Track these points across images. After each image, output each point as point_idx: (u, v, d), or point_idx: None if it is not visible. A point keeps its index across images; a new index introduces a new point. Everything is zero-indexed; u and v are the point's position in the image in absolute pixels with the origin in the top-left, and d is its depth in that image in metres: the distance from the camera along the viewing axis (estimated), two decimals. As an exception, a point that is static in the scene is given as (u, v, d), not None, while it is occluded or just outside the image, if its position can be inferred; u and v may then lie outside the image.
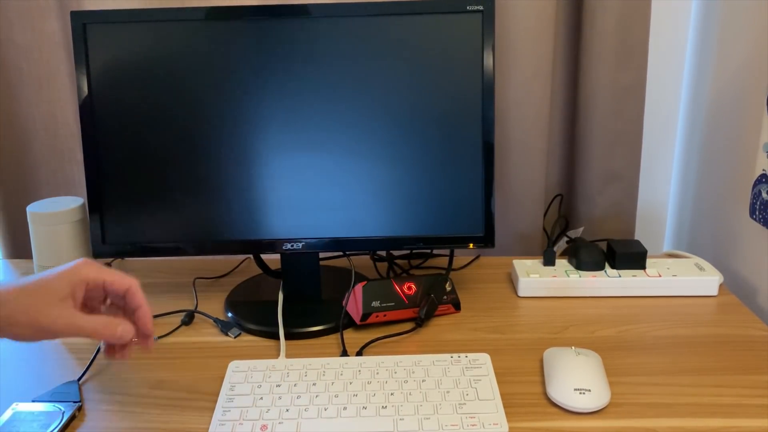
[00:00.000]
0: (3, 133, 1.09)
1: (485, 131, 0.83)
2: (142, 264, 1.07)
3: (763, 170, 0.88)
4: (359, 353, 0.77)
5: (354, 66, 0.81)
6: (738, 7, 0.96)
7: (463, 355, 0.73)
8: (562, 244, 1.07)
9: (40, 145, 1.10)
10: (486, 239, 0.86)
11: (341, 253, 0.98)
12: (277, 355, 0.78)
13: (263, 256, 0.92)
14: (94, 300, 0.63)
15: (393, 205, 0.85)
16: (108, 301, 0.64)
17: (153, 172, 0.84)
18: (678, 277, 0.90)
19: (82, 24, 0.82)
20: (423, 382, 0.69)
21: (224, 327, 0.84)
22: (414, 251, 1.05)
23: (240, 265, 1.04)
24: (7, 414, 0.66)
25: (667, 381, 0.71)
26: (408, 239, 0.86)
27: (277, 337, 0.81)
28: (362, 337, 0.80)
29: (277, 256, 0.91)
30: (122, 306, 0.63)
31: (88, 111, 0.83)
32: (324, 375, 0.70)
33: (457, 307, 0.87)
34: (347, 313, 0.83)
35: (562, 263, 0.95)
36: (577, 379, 0.67)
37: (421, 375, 0.70)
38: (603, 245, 0.95)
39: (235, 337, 0.82)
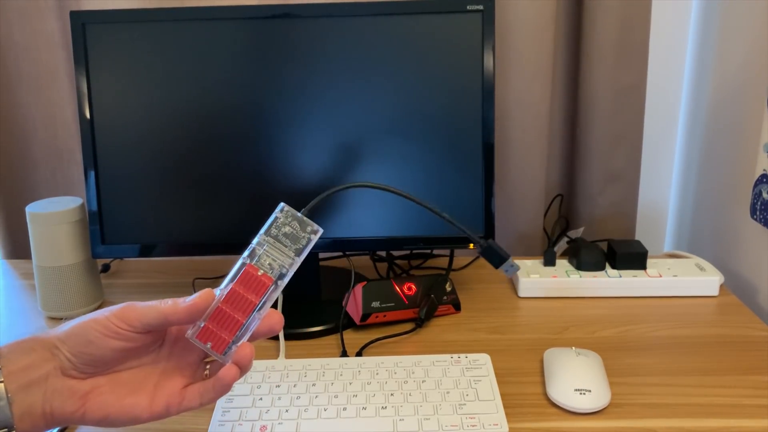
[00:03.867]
0: (2, 132, 1.08)
1: (485, 131, 0.83)
2: (142, 264, 1.07)
3: (764, 170, 0.88)
4: (359, 354, 0.77)
5: (354, 66, 0.81)
6: (738, 7, 0.96)
7: (463, 355, 0.73)
8: (562, 245, 1.07)
9: (40, 145, 1.10)
10: (486, 239, 0.85)
11: (341, 253, 0.98)
12: (277, 356, 0.77)
13: (263, 257, 0.92)
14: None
15: (393, 205, 0.84)
16: None
17: (152, 172, 0.84)
18: (678, 278, 0.90)
19: (82, 24, 0.81)
20: (423, 382, 0.69)
21: (224, 327, 0.84)
22: (414, 251, 1.05)
23: (240, 266, 1.04)
24: (6, 414, 0.66)
25: (668, 381, 0.71)
26: (408, 239, 0.86)
27: (277, 338, 0.81)
28: (362, 338, 0.80)
29: (277, 257, 0.91)
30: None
31: (87, 111, 0.83)
32: (323, 375, 0.70)
33: (457, 307, 0.87)
34: (347, 314, 0.83)
35: (562, 263, 0.95)
36: (578, 380, 0.67)
37: (420, 375, 0.70)
38: (603, 245, 0.95)
39: (234, 338, 0.82)
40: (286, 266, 0.50)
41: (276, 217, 0.52)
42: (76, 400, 0.48)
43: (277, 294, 0.50)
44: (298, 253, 0.50)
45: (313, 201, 0.56)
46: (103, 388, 0.49)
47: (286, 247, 0.51)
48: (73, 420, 0.48)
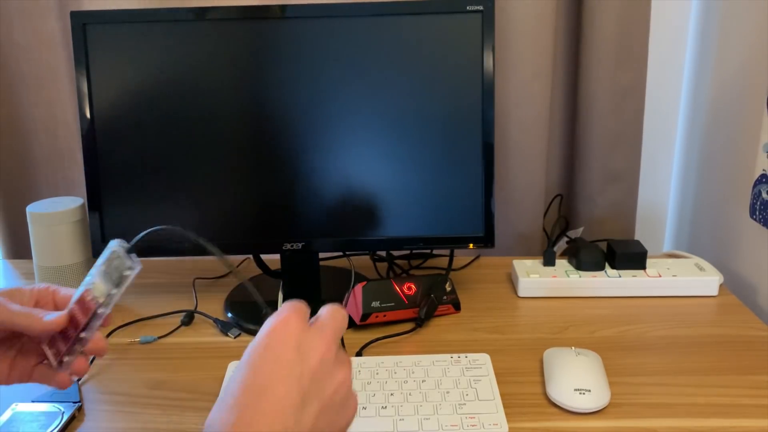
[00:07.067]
0: (3, 133, 1.09)
1: (485, 131, 0.83)
2: (142, 264, 1.06)
3: (763, 170, 0.88)
4: (359, 353, 0.77)
5: (354, 66, 0.81)
6: (738, 7, 0.96)
7: (463, 355, 0.73)
8: (562, 245, 1.07)
9: (40, 145, 1.10)
10: (486, 239, 0.86)
11: (341, 253, 0.98)
12: (277, 356, 0.77)
13: (263, 256, 0.92)
14: None
15: (393, 205, 0.85)
16: None
17: (152, 172, 0.84)
18: (678, 278, 0.90)
19: (82, 24, 0.82)
20: (423, 382, 0.69)
21: (224, 327, 0.84)
22: (414, 251, 1.05)
23: (240, 265, 1.04)
24: (7, 414, 0.66)
25: (667, 381, 0.71)
26: (408, 239, 0.86)
27: (277, 338, 0.81)
28: (362, 338, 0.80)
29: (277, 256, 0.91)
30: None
31: (87, 111, 0.83)
32: (324, 375, 0.70)
33: (457, 307, 0.87)
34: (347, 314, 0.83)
35: (562, 263, 0.95)
36: (577, 380, 0.67)
37: (420, 375, 0.70)
38: (603, 245, 0.95)
39: (234, 338, 0.82)
40: (107, 294, 0.54)
41: (107, 252, 0.56)
42: None
43: (101, 319, 0.54)
44: (117, 284, 0.55)
45: (137, 237, 0.58)
46: None
47: (111, 277, 0.55)
48: None
